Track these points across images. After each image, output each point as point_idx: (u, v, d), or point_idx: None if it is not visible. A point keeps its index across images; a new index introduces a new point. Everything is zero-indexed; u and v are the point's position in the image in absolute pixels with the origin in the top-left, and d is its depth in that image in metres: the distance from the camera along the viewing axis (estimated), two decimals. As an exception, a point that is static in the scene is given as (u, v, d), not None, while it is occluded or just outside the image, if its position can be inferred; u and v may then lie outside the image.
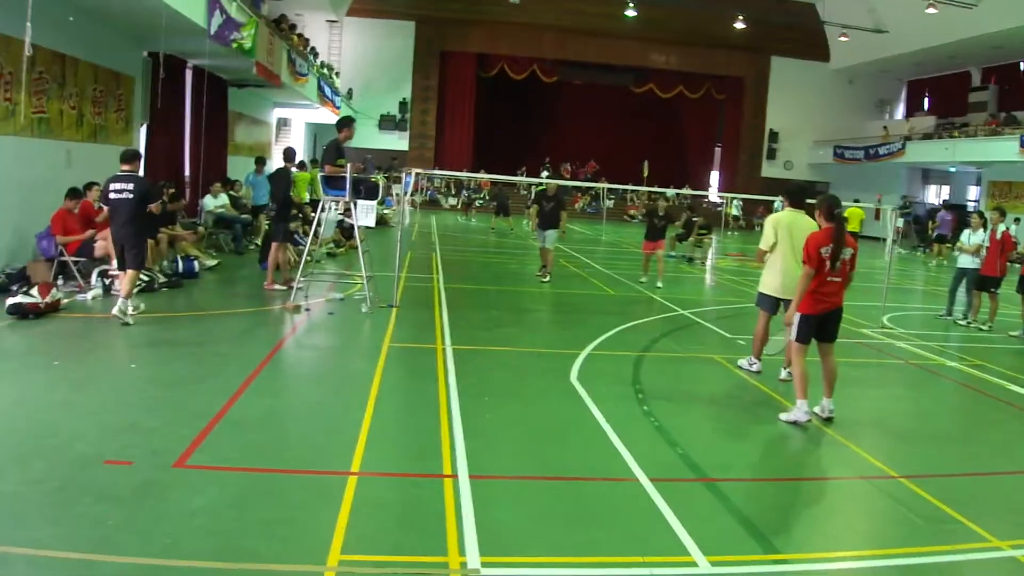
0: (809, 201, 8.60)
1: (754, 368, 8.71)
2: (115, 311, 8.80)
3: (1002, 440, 7.10)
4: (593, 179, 42.28)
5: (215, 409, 6.02)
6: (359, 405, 6.41)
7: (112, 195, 9.14)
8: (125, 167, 9.30)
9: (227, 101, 21.14)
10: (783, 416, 6.86)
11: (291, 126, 31.43)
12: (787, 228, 8.08)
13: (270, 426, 5.91)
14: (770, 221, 8.31)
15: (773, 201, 15.40)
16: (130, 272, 9.10)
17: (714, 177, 48.26)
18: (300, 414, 6.38)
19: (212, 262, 13.64)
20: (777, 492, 5.48)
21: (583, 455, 5.72)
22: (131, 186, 9.12)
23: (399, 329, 9.67)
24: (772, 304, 8.36)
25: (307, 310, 10.44)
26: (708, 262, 21.15)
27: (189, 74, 18.05)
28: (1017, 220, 27.53)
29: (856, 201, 31.08)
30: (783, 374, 8.37)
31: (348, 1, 36.64)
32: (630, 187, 36.40)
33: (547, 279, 14.73)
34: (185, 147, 18.45)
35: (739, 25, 36.47)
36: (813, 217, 7.72)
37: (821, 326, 6.87)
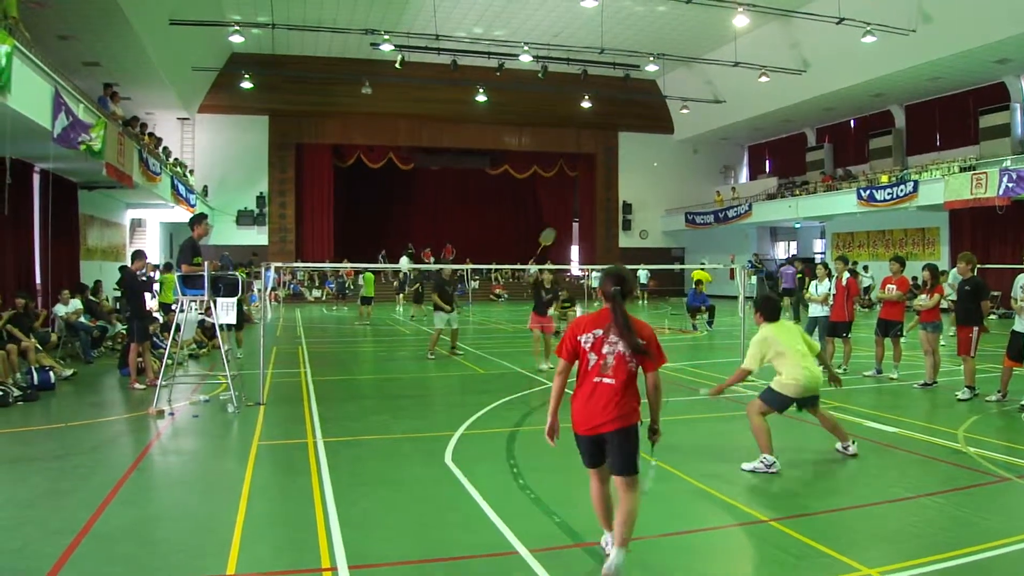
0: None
1: (773, 470, 7.40)
2: None
3: (864, 474, 7.55)
4: (455, 261, 42.76)
5: (79, 524, 5.82)
6: (231, 506, 6.33)
7: None
8: None
9: (77, 204, 20.61)
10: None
11: (145, 227, 30.70)
12: (776, 338, 7.77)
13: (139, 536, 5.74)
14: (756, 342, 7.82)
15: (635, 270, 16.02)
16: None
17: (574, 251, 49.59)
18: (170, 520, 6.20)
19: (68, 371, 13.15)
20: (654, 548, 5.56)
21: (462, 534, 5.77)
22: None
23: (268, 426, 9.55)
24: (783, 403, 7.75)
25: (171, 414, 10.18)
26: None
27: (36, 178, 17.59)
28: (866, 267, 29.35)
29: (703, 264, 32.45)
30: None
31: (199, 99, 36.43)
32: (494, 266, 37.04)
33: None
34: (35, 253, 17.85)
35: (586, 104, 38.07)
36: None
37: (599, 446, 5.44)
